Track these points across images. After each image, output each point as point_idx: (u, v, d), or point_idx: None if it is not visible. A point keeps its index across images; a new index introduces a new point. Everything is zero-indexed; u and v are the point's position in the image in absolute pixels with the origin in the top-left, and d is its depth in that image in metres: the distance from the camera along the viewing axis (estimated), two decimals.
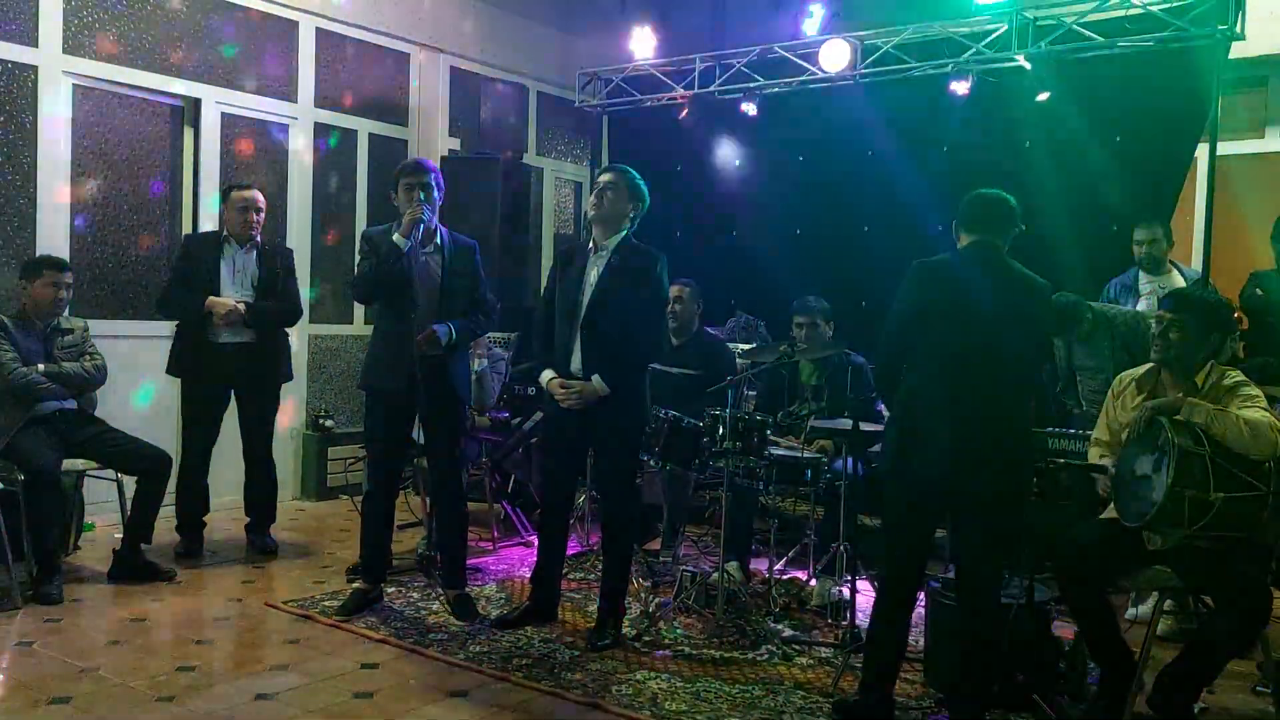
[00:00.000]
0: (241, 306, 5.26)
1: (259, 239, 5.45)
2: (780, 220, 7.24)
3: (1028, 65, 5.94)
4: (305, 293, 6.88)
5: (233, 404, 5.48)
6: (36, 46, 5.70)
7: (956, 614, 3.53)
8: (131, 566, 4.90)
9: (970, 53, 6.22)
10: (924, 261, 3.50)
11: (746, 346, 5.92)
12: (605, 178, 4.28)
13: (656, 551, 5.49)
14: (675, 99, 7.45)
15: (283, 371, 5.57)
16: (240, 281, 5.36)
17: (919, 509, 3.48)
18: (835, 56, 6.61)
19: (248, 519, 5.63)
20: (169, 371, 5.39)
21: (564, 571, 4.66)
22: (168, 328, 5.52)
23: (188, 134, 6.48)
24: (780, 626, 4.44)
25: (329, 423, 7.10)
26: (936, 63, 6.38)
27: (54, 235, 5.78)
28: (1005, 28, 6.07)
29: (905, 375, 3.50)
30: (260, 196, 5.46)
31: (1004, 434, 3.35)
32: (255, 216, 5.39)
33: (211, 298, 5.24)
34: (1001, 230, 3.50)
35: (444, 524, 4.64)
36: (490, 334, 5.72)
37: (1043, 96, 6.00)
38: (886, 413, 3.86)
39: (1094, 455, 3.79)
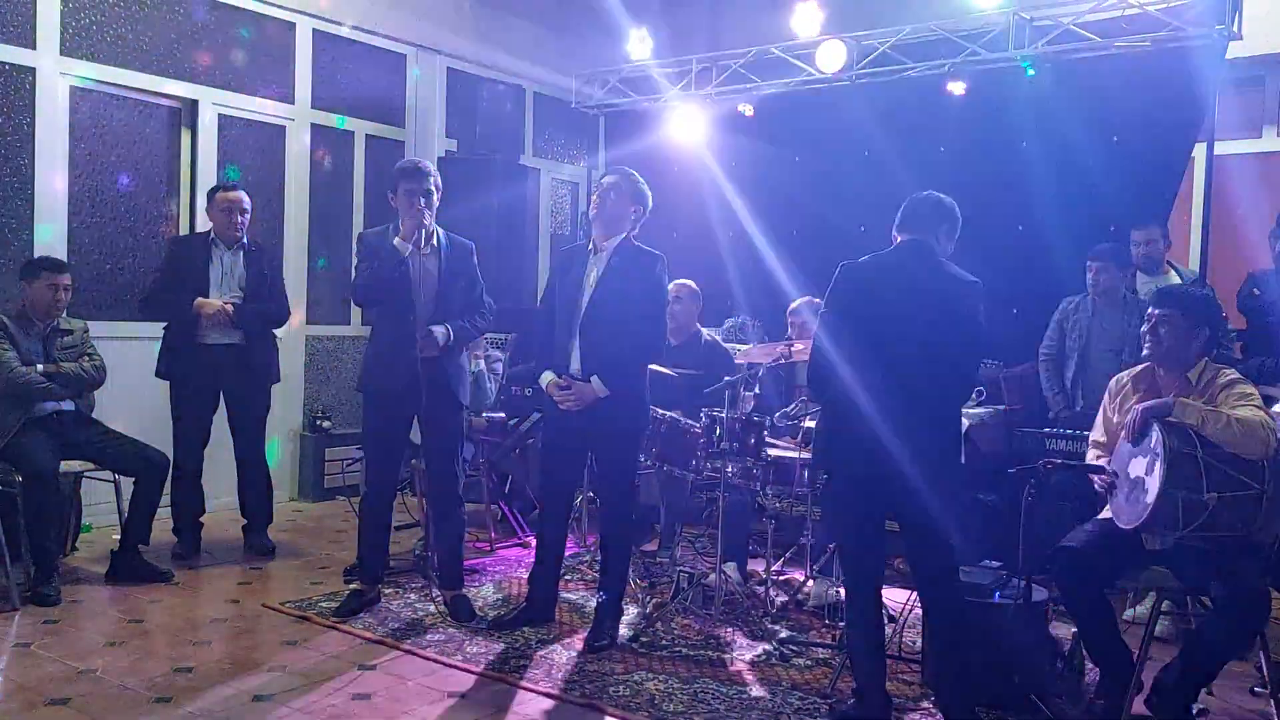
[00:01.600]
0: (229, 308, 5.25)
1: (245, 240, 5.44)
2: (777, 221, 7.24)
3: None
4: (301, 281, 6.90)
5: (223, 406, 5.48)
6: (34, 49, 5.70)
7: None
8: (129, 567, 4.89)
9: (966, 53, 6.22)
10: (848, 263, 3.56)
11: (743, 347, 5.91)
12: (608, 179, 4.28)
13: (654, 553, 5.50)
14: (672, 100, 7.45)
15: (271, 373, 5.56)
16: (228, 283, 5.35)
17: (854, 507, 3.51)
18: (831, 57, 6.62)
19: (244, 520, 5.63)
20: (158, 374, 5.36)
21: (561, 573, 4.66)
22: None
23: (185, 135, 6.48)
24: (777, 627, 4.44)
25: (326, 423, 7.09)
26: (933, 63, 6.39)
27: (52, 237, 5.77)
28: (1002, 28, 6.08)
29: (840, 373, 3.54)
30: (245, 197, 5.44)
31: (929, 428, 3.37)
32: (240, 218, 5.37)
33: (199, 299, 5.23)
34: (931, 229, 3.52)
35: (441, 525, 4.64)
36: (487, 335, 5.71)
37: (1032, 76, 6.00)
38: None
39: (1091, 457, 3.79)
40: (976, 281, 3.46)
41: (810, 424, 4.89)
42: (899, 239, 3.57)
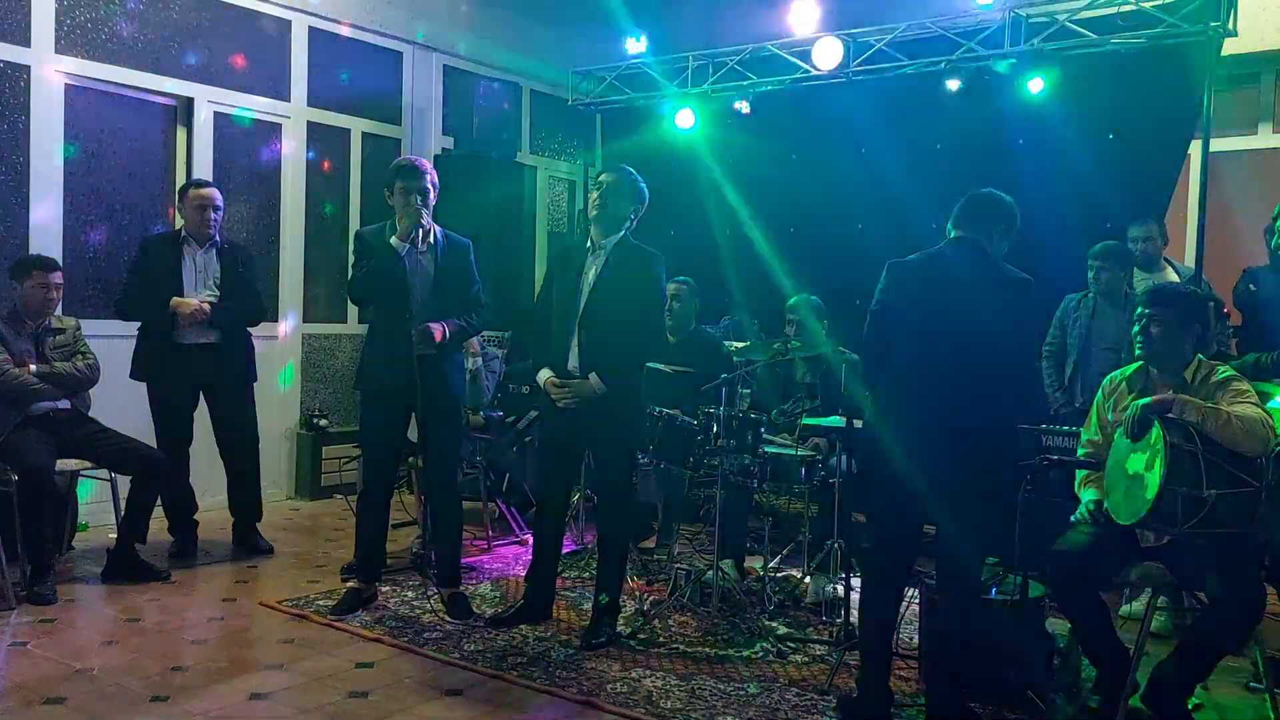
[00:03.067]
0: (206, 307, 5.22)
1: (218, 238, 5.40)
2: (773, 218, 7.24)
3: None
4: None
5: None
6: (29, 46, 5.69)
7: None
8: (125, 566, 4.89)
9: (963, 50, 6.22)
10: (897, 261, 3.53)
11: (740, 344, 5.92)
12: (605, 177, 4.28)
13: (651, 549, 5.50)
14: (668, 97, 7.45)
15: (250, 371, 5.52)
16: (202, 281, 5.30)
17: (898, 503, 3.48)
18: (828, 54, 6.62)
19: (233, 519, 5.61)
20: (133, 376, 5.29)
21: (559, 570, 4.66)
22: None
23: (180, 133, 6.47)
24: (775, 624, 4.45)
25: (323, 422, 7.09)
26: (929, 60, 6.39)
27: (46, 234, 5.76)
28: (998, 25, 6.08)
29: (885, 373, 3.53)
30: (218, 195, 5.38)
31: (978, 427, 3.32)
32: (213, 215, 5.31)
33: (176, 299, 5.18)
34: (984, 228, 3.49)
35: (439, 523, 4.64)
36: (484, 333, 5.71)
37: (1035, 85, 6.01)
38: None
39: (1083, 455, 3.80)
40: (1029, 280, 3.40)
41: (807, 421, 4.90)
42: (952, 236, 3.54)
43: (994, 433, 3.37)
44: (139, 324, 5.30)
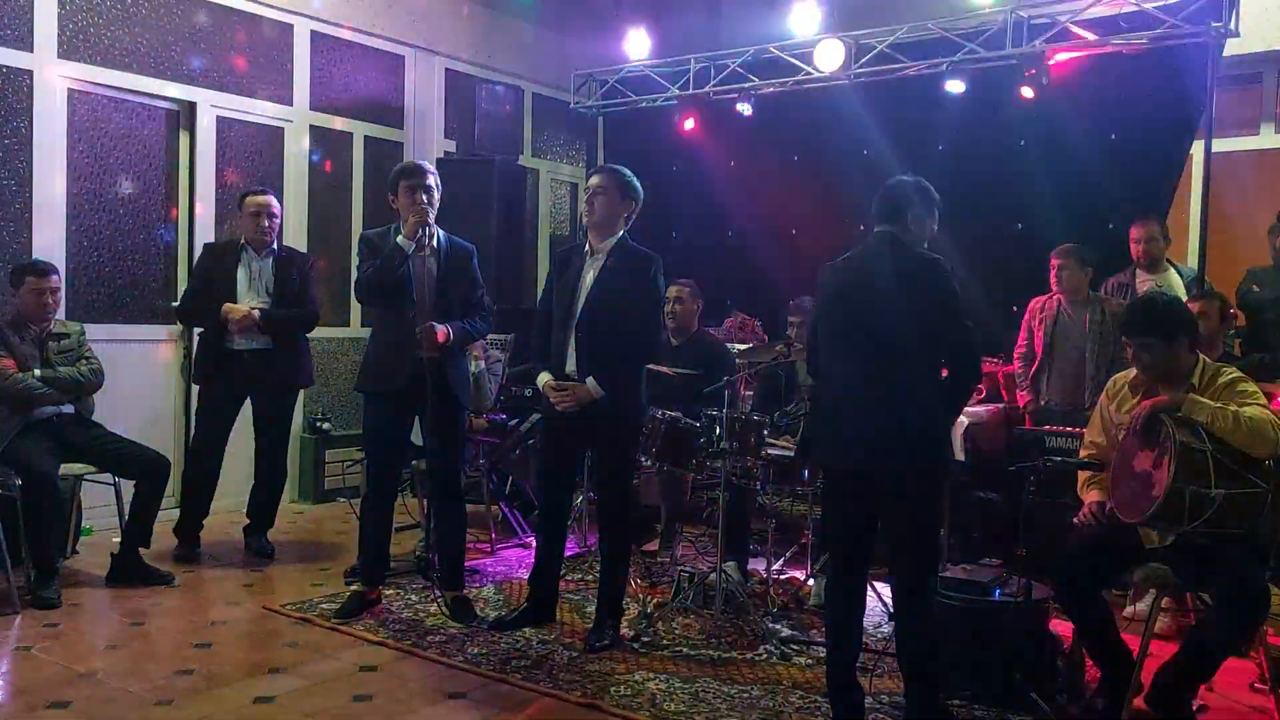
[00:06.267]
0: (256, 313, 5.26)
1: (275, 245, 5.47)
2: (776, 220, 7.25)
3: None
4: None
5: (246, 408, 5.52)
6: (31, 51, 5.70)
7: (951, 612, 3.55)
8: (130, 570, 4.89)
9: (964, 51, 6.23)
10: (825, 265, 3.59)
11: (743, 346, 5.92)
12: (594, 181, 4.28)
13: (654, 552, 5.50)
14: (670, 100, 7.46)
15: (302, 376, 5.59)
16: (256, 288, 5.37)
17: (833, 500, 3.54)
18: (830, 56, 6.63)
19: (248, 521, 5.62)
20: (193, 380, 5.38)
21: (562, 572, 4.66)
22: (165, 331, 5.49)
23: (183, 137, 6.48)
24: (778, 626, 4.44)
25: (326, 425, 7.09)
26: (931, 62, 6.40)
27: (50, 239, 5.77)
28: (999, 26, 6.09)
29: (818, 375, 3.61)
30: (274, 202, 5.47)
31: (902, 414, 3.27)
32: (269, 222, 5.40)
33: (227, 304, 5.25)
34: (895, 217, 3.45)
35: (442, 526, 4.63)
36: (487, 336, 5.71)
37: (1028, 92, 6.03)
38: None
39: (1085, 456, 3.80)
40: (937, 259, 3.38)
41: None
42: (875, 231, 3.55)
43: (920, 414, 3.29)
44: (199, 329, 5.37)
